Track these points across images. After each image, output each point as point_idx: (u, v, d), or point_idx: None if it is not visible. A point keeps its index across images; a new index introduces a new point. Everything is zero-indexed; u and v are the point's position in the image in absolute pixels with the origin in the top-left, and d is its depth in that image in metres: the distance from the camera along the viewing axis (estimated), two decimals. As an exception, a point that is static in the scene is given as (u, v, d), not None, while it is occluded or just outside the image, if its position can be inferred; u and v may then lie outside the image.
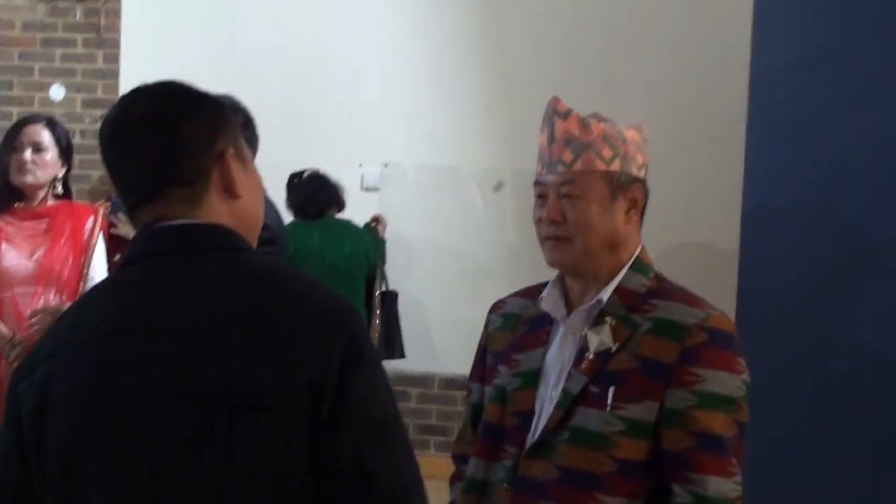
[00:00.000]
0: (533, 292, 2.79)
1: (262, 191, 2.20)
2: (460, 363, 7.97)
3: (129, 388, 1.97)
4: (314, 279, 2.10)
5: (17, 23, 8.54)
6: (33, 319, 4.64)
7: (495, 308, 2.87)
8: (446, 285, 7.94)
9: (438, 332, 7.98)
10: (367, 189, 8.28)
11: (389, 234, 8.16)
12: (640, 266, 2.65)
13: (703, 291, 2.76)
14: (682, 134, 7.67)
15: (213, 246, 2.07)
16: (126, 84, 8.05)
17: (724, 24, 7.35)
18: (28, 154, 4.71)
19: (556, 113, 2.64)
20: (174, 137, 2.07)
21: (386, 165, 8.17)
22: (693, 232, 7.53)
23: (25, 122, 4.85)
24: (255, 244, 2.20)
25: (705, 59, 7.83)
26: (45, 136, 4.80)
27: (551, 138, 2.64)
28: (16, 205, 4.80)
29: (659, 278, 2.65)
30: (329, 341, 1.93)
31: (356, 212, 7.64)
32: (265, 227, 4.20)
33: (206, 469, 1.93)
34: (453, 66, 7.93)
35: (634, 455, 2.50)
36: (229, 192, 2.09)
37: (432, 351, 8.40)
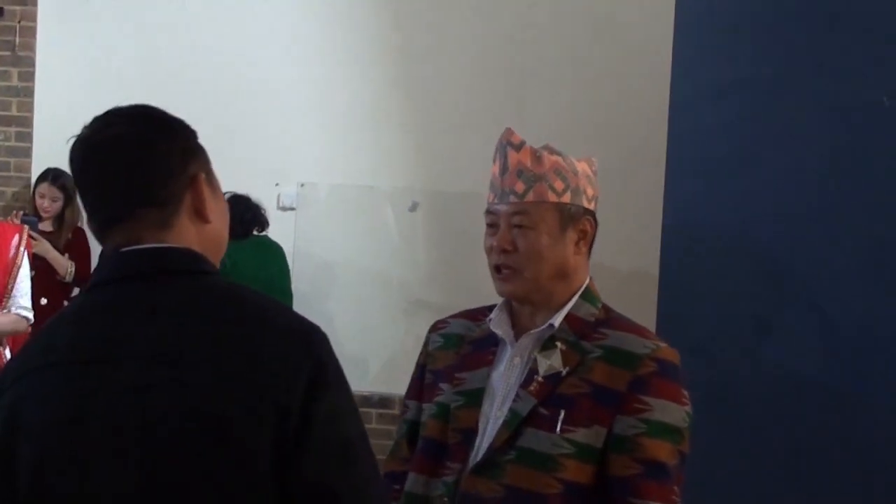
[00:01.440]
0: (476, 314, 2.89)
1: (227, 217, 2.25)
2: (374, 381, 8.11)
3: (97, 413, 2.01)
4: (278, 302, 2.16)
5: None
6: None
7: (435, 328, 2.96)
8: (360, 303, 8.10)
9: (351, 349, 7.90)
10: (284, 208, 8.35)
11: (305, 253, 8.39)
12: (588, 296, 2.75)
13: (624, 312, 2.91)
14: (602, 159, 7.81)
15: (182, 270, 2.12)
16: (41, 101, 8.55)
17: (645, 54, 7.52)
18: None
19: (509, 144, 2.72)
20: (148, 160, 2.13)
21: (302, 185, 8.25)
22: (614, 256, 7.66)
23: None
24: (218, 267, 2.21)
25: (626, 84, 7.99)
26: None
27: (504, 168, 2.72)
28: None
29: (606, 309, 2.75)
30: (295, 365, 1.99)
31: (274, 231, 7.87)
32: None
33: (171, 495, 1.99)
34: (368, 87, 8.01)
35: (580, 478, 2.57)
36: (200, 215, 2.15)
37: (344, 367, 8.33)
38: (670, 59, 4.10)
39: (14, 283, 4.97)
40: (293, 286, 7.85)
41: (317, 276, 8.54)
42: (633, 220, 7.60)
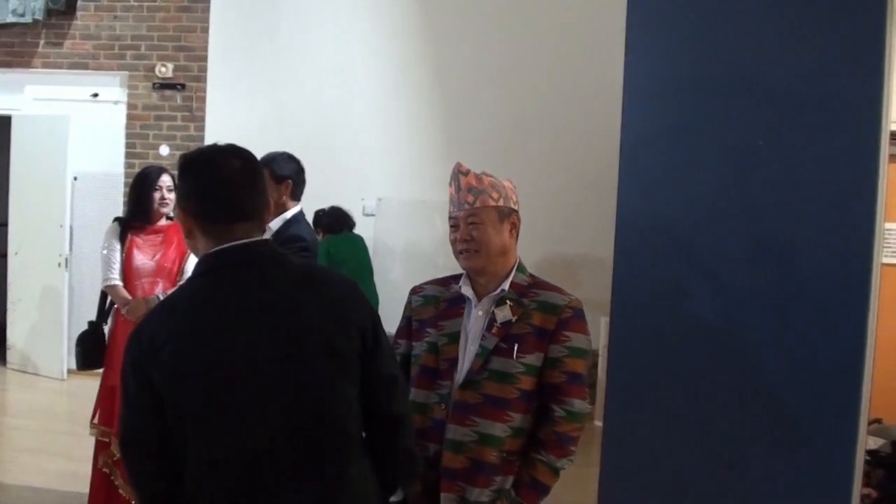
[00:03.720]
0: (444, 281, 3.11)
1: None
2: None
3: (239, 355, 2.12)
4: (331, 271, 2.46)
5: (139, 105, 9.35)
6: (132, 303, 5.03)
7: (415, 291, 3.16)
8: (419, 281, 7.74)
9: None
10: (367, 215, 8.68)
11: (384, 248, 8.57)
12: (521, 268, 3.01)
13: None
14: (559, 185, 7.77)
15: (272, 255, 2.27)
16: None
17: (597, 96, 7.27)
18: (166, 193, 5.16)
19: (460, 172, 2.97)
20: (257, 186, 2.29)
21: (380, 199, 8.65)
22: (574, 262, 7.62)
23: (161, 171, 5.28)
24: None
25: (582, 128, 7.91)
26: (172, 183, 5.27)
27: (458, 188, 2.96)
28: (145, 225, 5.22)
29: (532, 276, 3.02)
30: (363, 306, 2.29)
31: (361, 231, 8.06)
32: (303, 239, 4.29)
33: (300, 400, 2.13)
34: (425, 127, 7.93)
35: (529, 387, 2.83)
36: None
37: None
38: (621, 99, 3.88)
39: (186, 263, 4.94)
40: (375, 270, 8.01)
41: (392, 265, 8.66)
42: (588, 245, 7.72)
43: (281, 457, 2.13)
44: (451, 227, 2.98)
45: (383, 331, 2.32)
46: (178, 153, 8.86)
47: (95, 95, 9.19)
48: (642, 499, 3.47)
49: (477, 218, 2.88)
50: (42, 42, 9.23)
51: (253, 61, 8.96)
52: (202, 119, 9.03)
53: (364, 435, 2.35)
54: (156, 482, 2.21)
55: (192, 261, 5.16)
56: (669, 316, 3.35)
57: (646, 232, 3.54)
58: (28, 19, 9.15)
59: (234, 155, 2.29)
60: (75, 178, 8.97)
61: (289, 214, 4.79)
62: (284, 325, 2.17)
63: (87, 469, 5.38)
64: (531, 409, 2.85)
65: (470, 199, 2.89)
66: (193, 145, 8.90)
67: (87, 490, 5.30)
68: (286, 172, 4.75)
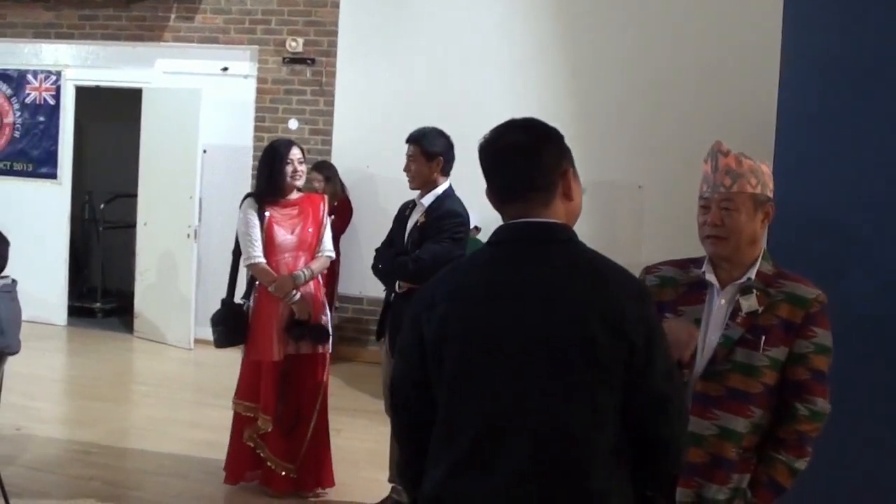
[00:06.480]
0: (682, 264, 2.98)
1: (582, 196, 2.28)
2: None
3: (502, 333, 2.11)
4: (622, 267, 2.23)
5: (269, 79, 9.44)
6: (279, 280, 5.13)
7: (650, 270, 3.02)
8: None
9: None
10: None
11: None
12: (767, 257, 2.87)
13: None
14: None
15: (558, 239, 2.20)
16: (338, 120, 9.15)
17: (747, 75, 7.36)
18: (297, 165, 5.23)
19: (719, 151, 2.84)
20: (535, 160, 2.20)
21: None
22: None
23: (291, 144, 5.35)
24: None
25: (730, 112, 7.44)
26: (302, 155, 5.38)
27: (715, 168, 2.84)
28: (278, 198, 5.30)
29: (776, 265, 2.86)
30: (641, 312, 2.09)
31: (487, 208, 7.18)
32: (458, 214, 4.36)
33: (554, 395, 2.06)
34: (556, 106, 7.93)
35: (772, 381, 2.73)
36: (567, 196, 2.22)
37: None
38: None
39: (324, 235, 5.05)
40: None
41: None
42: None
43: (503, 445, 2.07)
44: (702, 207, 2.87)
45: (660, 345, 2.12)
46: (307, 127, 9.02)
47: (225, 69, 9.27)
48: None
49: (731, 203, 2.77)
50: (173, 16, 9.38)
51: (383, 36, 8.89)
52: (332, 94, 9.04)
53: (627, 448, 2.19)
54: (415, 434, 2.29)
55: (327, 231, 5.38)
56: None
57: (801, 215, 3.52)
58: (160, -6, 9.66)
59: (510, 131, 2.25)
60: (204, 151, 9.06)
61: (440, 190, 4.92)
62: (548, 312, 2.09)
63: (222, 438, 5.49)
64: (771, 405, 2.73)
65: (727, 182, 2.78)
66: (322, 120, 9.04)
67: (224, 458, 5.42)
68: (437, 149, 4.87)
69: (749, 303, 2.73)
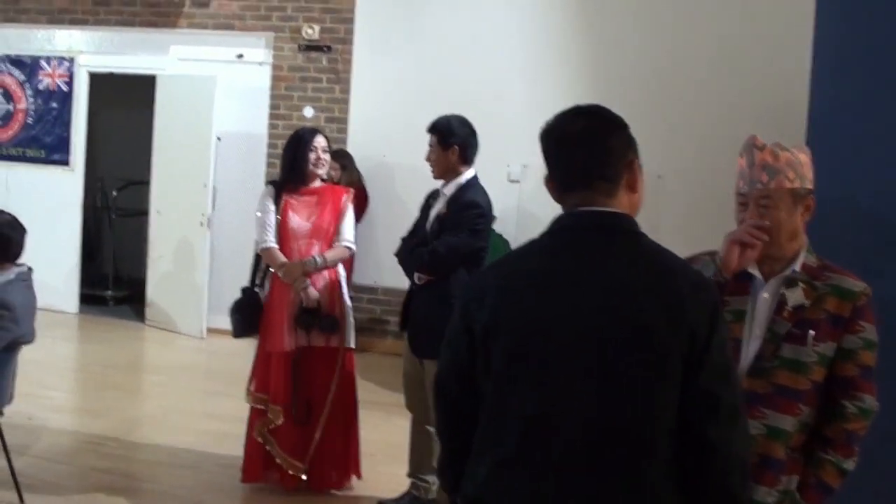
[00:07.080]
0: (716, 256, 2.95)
1: (644, 189, 2.23)
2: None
3: (555, 322, 2.05)
4: (685, 261, 2.21)
5: (284, 66, 9.34)
6: (288, 266, 5.10)
7: (691, 262, 2.88)
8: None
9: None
10: (512, 181, 8.40)
11: (527, 214, 8.19)
12: (810, 250, 2.78)
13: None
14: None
15: (622, 229, 2.14)
16: (354, 108, 9.11)
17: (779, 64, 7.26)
18: (321, 154, 5.20)
19: (755, 146, 2.75)
20: (602, 148, 2.14)
21: (525, 166, 8.31)
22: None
23: (315, 132, 5.33)
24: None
25: (760, 102, 7.37)
26: (327, 144, 5.35)
27: (751, 163, 2.75)
28: (300, 186, 5.26)
29: (819, 258, 2.77)
30: (703, 306, 2.02)
31: (504, 197, 7.58)
32: (478, 205, 4.28)
33: (605, 388, 1.98)
34: (574, 93, 7.63)
35: (820, 378, 2.65)
36: (631, 188, 2.17)
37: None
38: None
39: (342, 224, 4.97)
40: (518, 239, 7.50)
41: (537, 233, 7.90)
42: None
43: (552, 443, 1.99)
44: (739, 203, 2.80)
45: (720, 343, 2.01)
46: (323, 115, 8.96)
47: (240, 56, 9.20)
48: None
49: (769, 201, 2.68)
50: (188, 2, 9.29)
51: (400, 24, 8.82)
52: (348, 81, 8.99)
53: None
54: (458, 428, 2.22)
55: (348, 222, 5.32)
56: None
57: (835, 208, 3.43)
58: (174, -21, 9.57)
59: (576, 119, 2.18)
60: (218, 139, 8.98)
61: (462, 179, 4.84)
62: (607, 300, 2.01)
63: (235, 429, 5.46)
64: (818, 402, 2.65)
65: (764, 178, 2.69)
66: (338, 107, 8.99)
67: (240, 453, 5.28)
68: (452, 138, 4.77)
69: (795, 296, 2.65)
